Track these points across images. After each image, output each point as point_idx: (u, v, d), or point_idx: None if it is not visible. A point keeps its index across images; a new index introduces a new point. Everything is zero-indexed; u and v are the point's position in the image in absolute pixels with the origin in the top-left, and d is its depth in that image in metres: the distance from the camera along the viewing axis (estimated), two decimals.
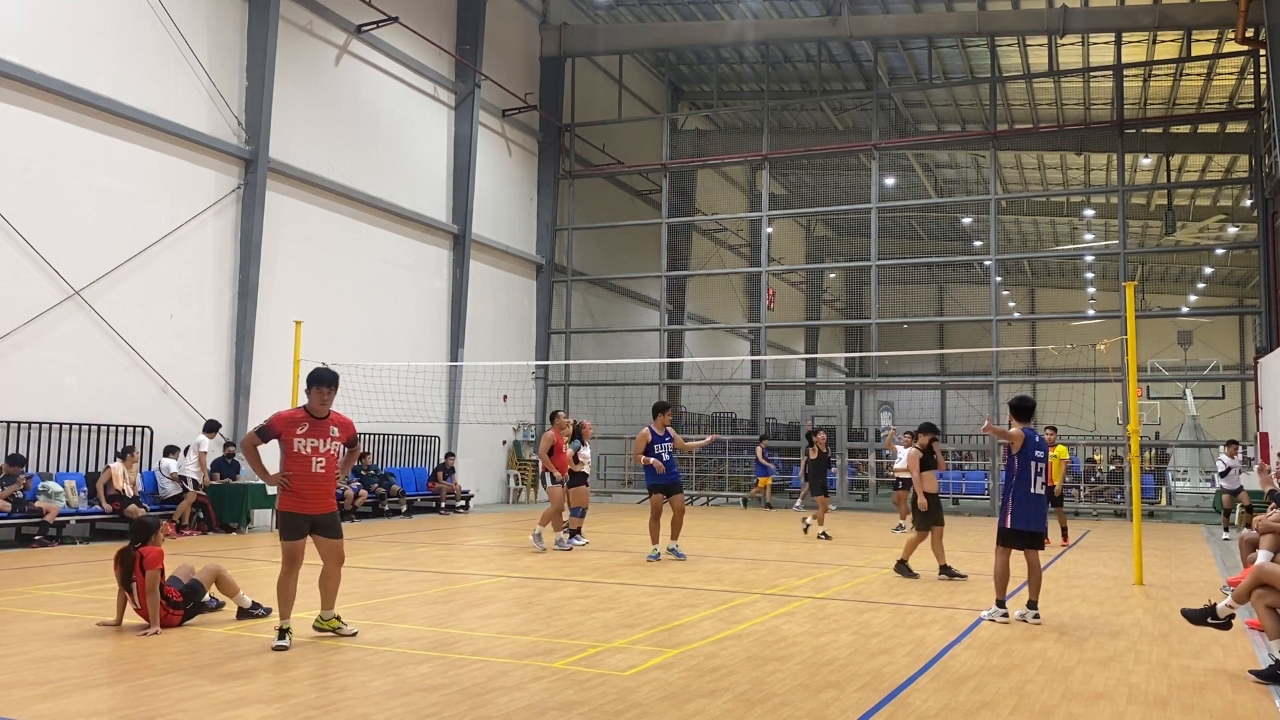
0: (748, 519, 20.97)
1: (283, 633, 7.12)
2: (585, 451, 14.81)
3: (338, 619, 7.55)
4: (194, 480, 15.64)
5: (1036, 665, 6.93)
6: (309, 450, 7.20)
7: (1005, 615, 8.68)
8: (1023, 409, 8.96)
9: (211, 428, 16.34)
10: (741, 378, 34.96)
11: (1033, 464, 8.63)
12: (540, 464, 14.20)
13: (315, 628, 7.53)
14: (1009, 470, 8.77)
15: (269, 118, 17.88)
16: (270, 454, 7.22)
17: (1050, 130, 27.42)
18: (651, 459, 12.59)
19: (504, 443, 25.40)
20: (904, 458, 18.88)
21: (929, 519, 11.26)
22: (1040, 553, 8.96)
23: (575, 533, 14.47)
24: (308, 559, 7.33)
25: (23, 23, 14.34)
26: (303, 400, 7.50)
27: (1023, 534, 8.70)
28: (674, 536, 12.95)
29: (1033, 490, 8.64)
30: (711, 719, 5.48)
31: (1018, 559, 8.89)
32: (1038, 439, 8.81)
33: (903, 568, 11.40)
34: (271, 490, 13.84)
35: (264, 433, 7.25)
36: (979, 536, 16.98)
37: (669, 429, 12.95)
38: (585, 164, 28.55)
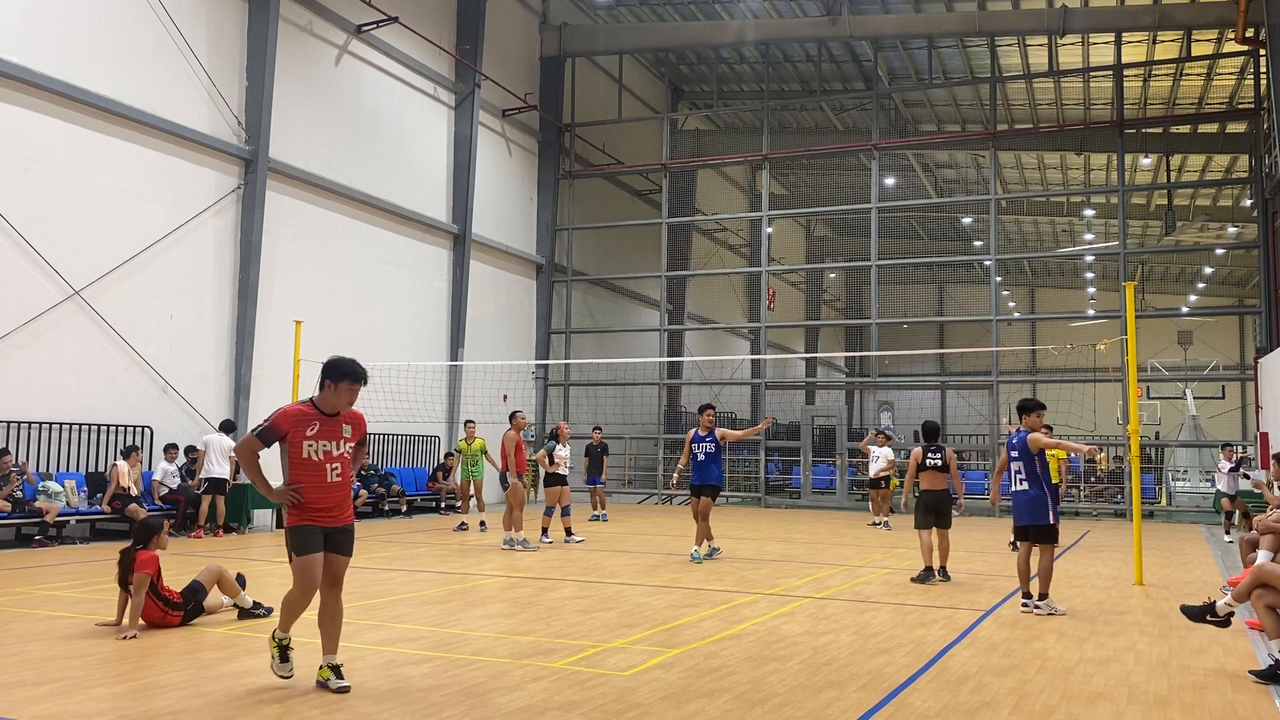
0: (748, 518, 20.95)
1: (284, 650, 6.01)
2: (563, 452, 15.05)
3: (331, 669, 6.01)
4: (209, 481, 15.53)
5: (1036, 665, 6.94)
6: (321, 455, 5.97)
7: (1025, 606, 9.18)
8: (1019, 409, 9.51)
9: (229, 427, 16.17)
10: (741, 378, 34.96)
11: (1011, 464, 9.29)
12: (501, 463, 14.60)
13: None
14: None
15: (269, 118, 17.87)
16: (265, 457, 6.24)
17: (1050, 130, 27.43)
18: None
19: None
20: (882, 459, 19.19)
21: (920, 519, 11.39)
22: (1051, 547, 9.29)
23: (545, 531, 15.01)
24: None
25: (23, 23, 14.33)
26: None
27: (1018, 529, 9.36)
28: (695, 540, 12.95)
29: (1014, 488, 9.27)
30: (711, 719, 5.49)
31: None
32: (1013, 439, 9.37)
33: (941, 572, 11.23)
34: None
35: (267, 435, 5.95)
36: (979, 537, 17.00)
37: (714, 428, 13.04)
38: (585, 164, 28.55)
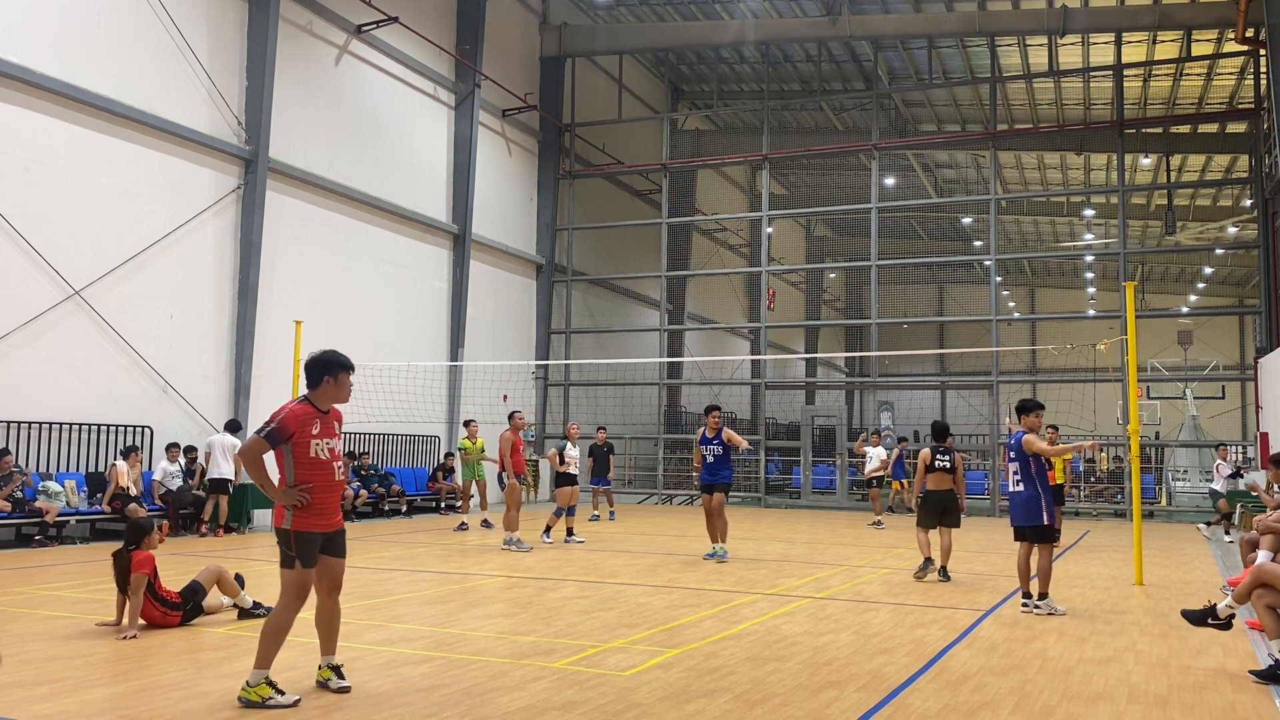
0: (748, 518, 20.95)
1: (275, 685, 5.65)
2: (573, 452, 15.14)
3: (331, 670, 5.99)
4: (212, 481, 15.55)
5: (1036, 665, 6.93)
6: (327, 454, 5.87)
7: (1025, 605, 9.19)
8: (1018, 409, 9.51)
9: (234, 427, 16.24)
10: (741, 378, 34.96)
11: (1009, 465, 9.37)
12: (499, 463, 14.36)
13: (248, 698, 5.61)
14: None
15: (269, 118, 17.87)
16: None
17: (1050, 130, 27.42)
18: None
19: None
20: (875, 459, 19.34)
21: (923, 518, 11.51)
22: (1049, 547, 9.36)
23: (548, 530, 15.08)
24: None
25: (23, 23, 14.33)
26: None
27: (1015, 529, 9.42)
28: (719, 538, 13.04)
29: (1010, 488, 9.39)
30: (711, 719, 5.48)
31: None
32: (1011, 440, 9.42)
33: (942, 572, 11.33)
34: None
35: (275, 436, 5.76)
36: (979, 536, 17.00)
37: (721, 429, 13.11)
38: (585, 164, 28.55)
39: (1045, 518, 9.13)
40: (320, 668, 6.01)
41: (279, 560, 5.86)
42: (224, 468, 15.45)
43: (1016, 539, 9.47)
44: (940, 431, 11.64)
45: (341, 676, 5.98)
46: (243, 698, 5.59)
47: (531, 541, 14.41)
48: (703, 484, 13.23)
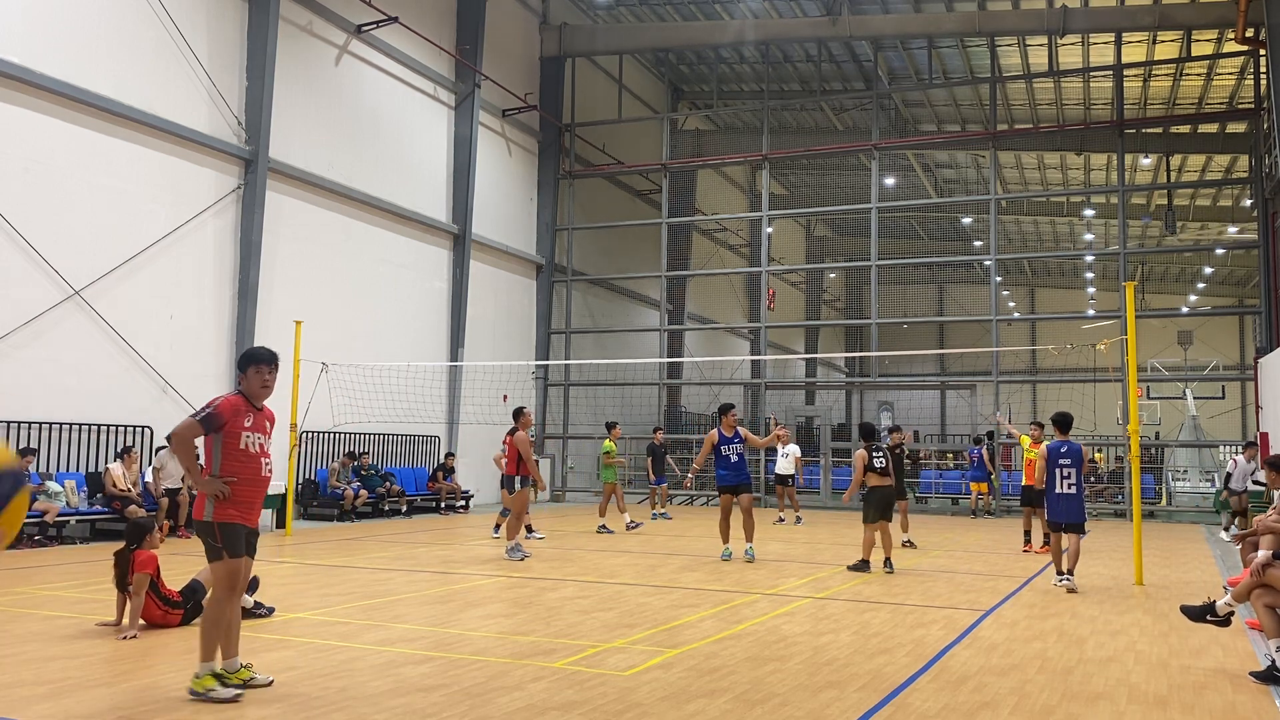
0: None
1: (223, 679, 5.74)
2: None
3: (246, 668, 5.96)
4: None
5: (1036, 665, 6.93)
6: (257, 448, 5.92)
7: (1059, 580, 10.58)
8: (1055, 423, 10.76)
9: None
10: (741, 378, 34.95)
11: (1057, 470, 10.47)
12: (520, 465, 12.92)
13: (195, 690, 5.68)
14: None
15: (269, 118, 17.87)
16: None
17: (1050, 130, 27.41)
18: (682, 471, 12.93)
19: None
20: (790, 455, 19.58)
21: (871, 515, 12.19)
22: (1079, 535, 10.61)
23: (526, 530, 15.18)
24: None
25: (23, 23, 14.33)
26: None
27: (1059, 524, 10.64)
28: (747, 538, 12.91)
29: (1058, 490, 10.53)
30: (711, 719, 5.48)
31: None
32: (1063, 449, 10.50)
33: (886, 564, 11.88)
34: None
35: (210, 422, 5.80)
36: (978, 536, 17.02)
37: (739, 428, 13.01)
38: (585, 164, 28.55)
39: (1084, 513, 10.68)
40: (237, 670, 5.87)
41: (205, 555, 5.89)
42: None
43: (1052, 531, 10.84)
44: (869, 432, 12.55)
45: (254, 671, 5.99)
46: (192, 689, 5.69)
47: (533, 545, 14.39)
48: (727, 485, 12.78)
